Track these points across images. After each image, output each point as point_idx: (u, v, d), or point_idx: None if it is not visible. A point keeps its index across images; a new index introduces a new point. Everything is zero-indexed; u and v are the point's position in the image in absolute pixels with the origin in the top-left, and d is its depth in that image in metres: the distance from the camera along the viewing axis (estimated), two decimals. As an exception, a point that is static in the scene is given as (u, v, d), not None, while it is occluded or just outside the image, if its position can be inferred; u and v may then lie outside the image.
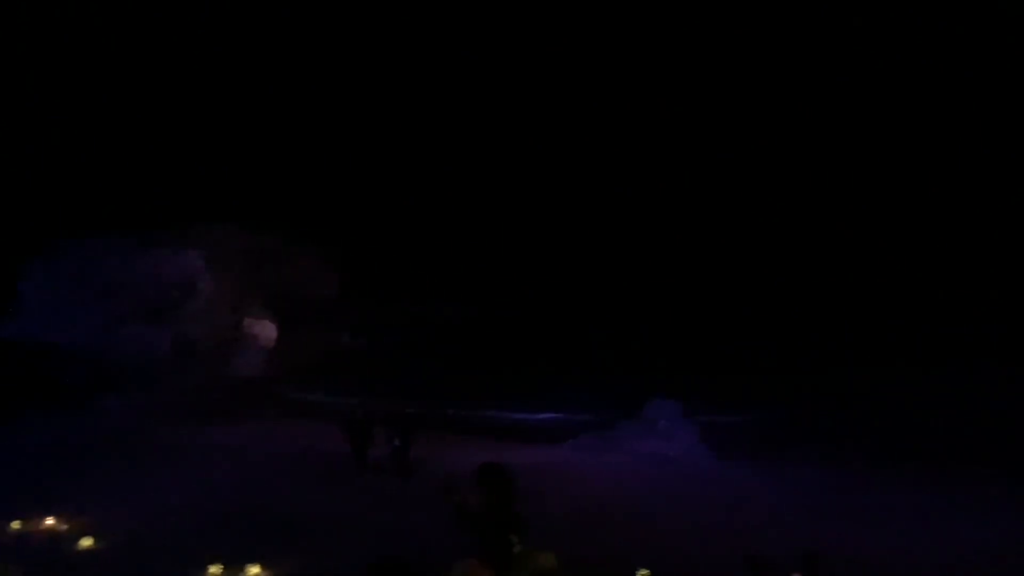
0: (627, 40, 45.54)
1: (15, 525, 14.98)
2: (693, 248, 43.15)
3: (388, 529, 15.13)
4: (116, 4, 42.56)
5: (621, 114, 45.88)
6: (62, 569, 13.26)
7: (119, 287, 31.44)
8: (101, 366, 28.95)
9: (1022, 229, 39.61)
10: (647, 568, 12.98)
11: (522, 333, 38.87)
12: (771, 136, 44.30)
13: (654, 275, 41.83)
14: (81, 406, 25.27)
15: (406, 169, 44.70)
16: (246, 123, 43.38)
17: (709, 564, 13.39)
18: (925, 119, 42.11)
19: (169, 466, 19.22)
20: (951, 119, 41.72)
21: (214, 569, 13.02)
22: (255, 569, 13.17)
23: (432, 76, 46.06)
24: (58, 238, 32.88)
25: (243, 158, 42.34)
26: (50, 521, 15.15)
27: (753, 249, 42.48)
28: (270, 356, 32.69)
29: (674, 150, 44.96)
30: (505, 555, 6.48)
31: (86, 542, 14.36)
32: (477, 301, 40.42)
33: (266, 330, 32.95)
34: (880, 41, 42.33)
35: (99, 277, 31.66)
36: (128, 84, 42.90)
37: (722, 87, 45.21)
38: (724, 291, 40.81)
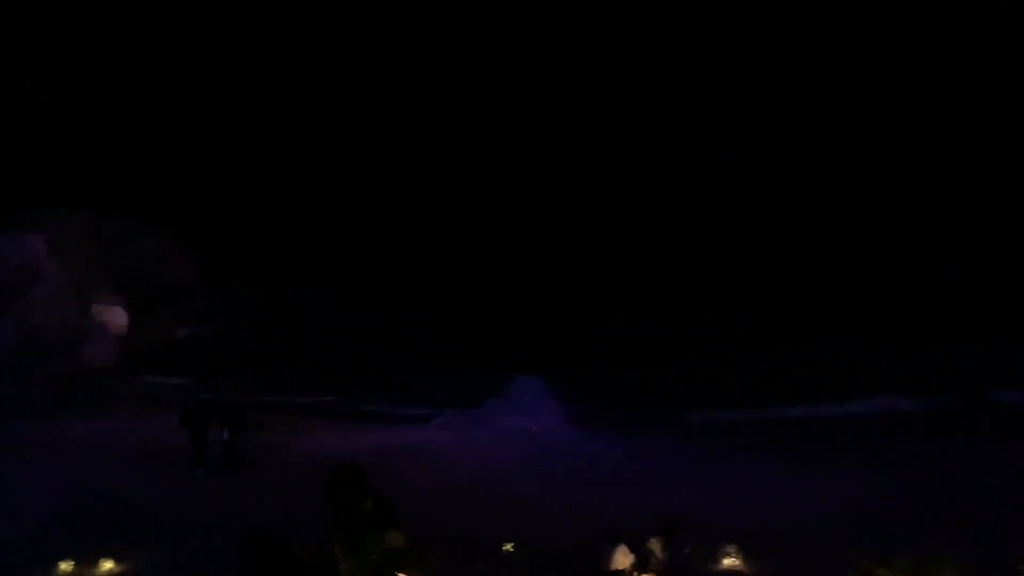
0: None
1: None
2: (551, 227, 43.54)
3: (242, 521, 14.82)
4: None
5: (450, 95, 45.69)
6: None
7: (-46, 275, 29.69)
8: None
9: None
10: (512, 543, 13.14)
11: (381, 316, 38.61)
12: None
13: (514, 254, 42.09)
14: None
15: (255, 151, 43.54)
16: (88, 100, 41.47)
17: (572, 536, 13.64)
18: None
19: (14, 462, 18.33)
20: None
21: (65, 566, 12.49)
22: (108, 564, 12.71)
23: (278, 52, 44.90)
24: None
25: (87, 137, 40.48)
26: None
27: (604, 228, 43.10)
28: (120, 345, 31.47)
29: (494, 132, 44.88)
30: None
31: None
32: (334, 285, 39.92)
33: (116, 317, 31.67)
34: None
35: (-68, 265, 29.83)
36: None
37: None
38: (581, 269, 41.41)
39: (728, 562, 12.95)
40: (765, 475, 18.53)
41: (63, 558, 12.52)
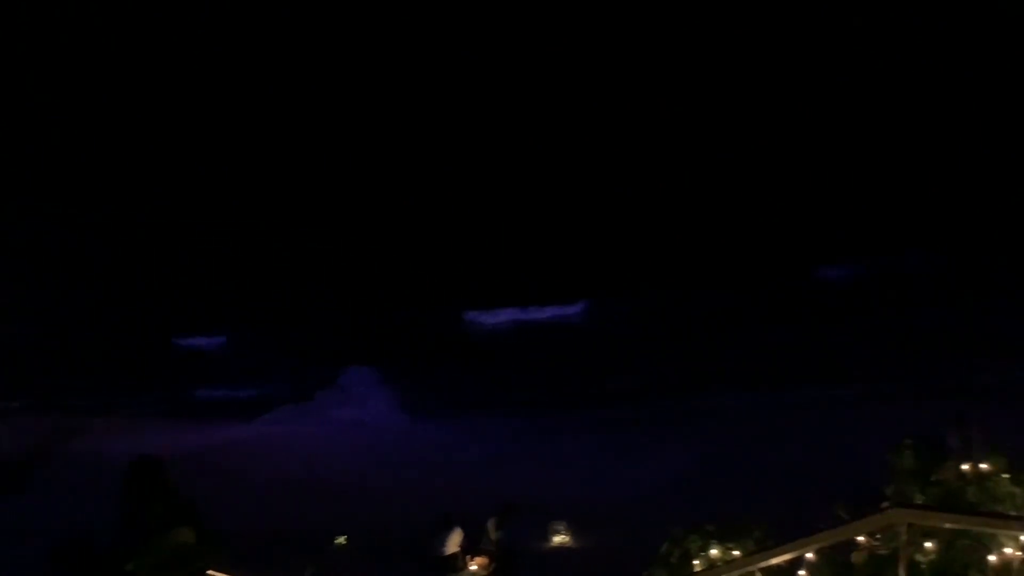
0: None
1: None
2: (380, 222, 43.08)
3: (55, 528, 14.13)
4: None
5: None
6: None
7: None
8: None
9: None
10: (344, 535, 13.08)
11: (206, 306, 37.43)
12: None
13: (339, 245, 41.49)
14: None
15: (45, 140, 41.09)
16: None
17: (406, 524, 13.69)
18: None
19: None
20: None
21: None
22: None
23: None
24: None
25: None
26: None
27: (435, 223, 42.87)
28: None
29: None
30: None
31: None
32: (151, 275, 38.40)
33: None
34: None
35: None
36: None
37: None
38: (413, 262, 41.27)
39: (558, 539, 13.31)
40: (593, 454, 19.11)
41: None
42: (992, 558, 5.29)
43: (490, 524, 12.18)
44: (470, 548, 11.96)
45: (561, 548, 13.23)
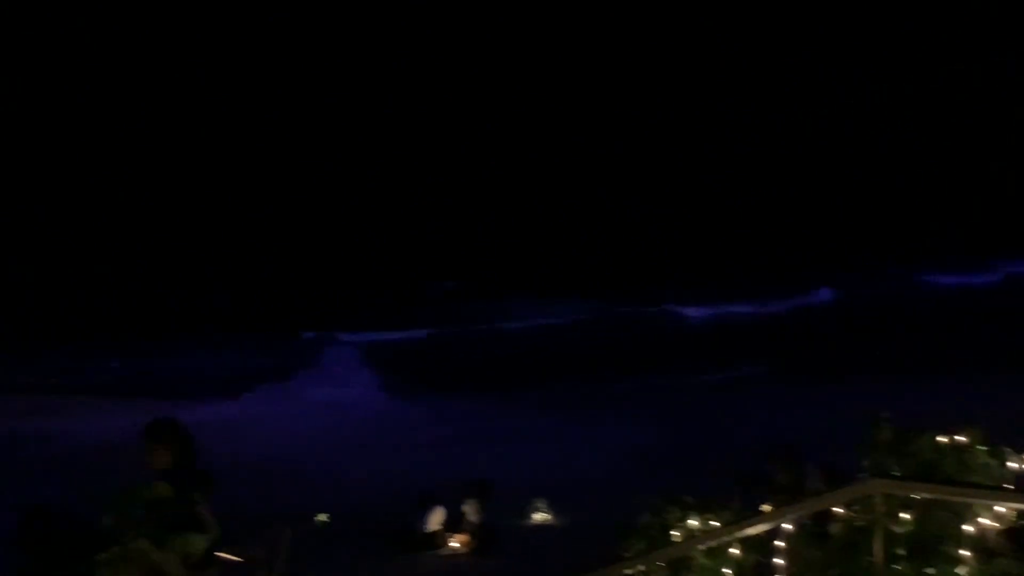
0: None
1: None
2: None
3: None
4: None
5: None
6: None
7: None
8: None
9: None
10: (326, 513, 13.08)
11: (178, 280, 37.18)
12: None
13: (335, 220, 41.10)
14: None
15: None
16: None
17: (386, 502, 13.72)
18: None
19: None
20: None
21: None
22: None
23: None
24: None
25: None
26: None
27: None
28: None
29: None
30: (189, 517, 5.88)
31: None
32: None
33: None
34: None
35: None
36: None
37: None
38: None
39: (539, 516, 13.36)
40: (563, 433, 19.31)
41: None
42: (968, 528, 5.35)
43: (470, 502, 12.25)
44: (451, 526, 12.06)
45: (541, 525, 13.28)
